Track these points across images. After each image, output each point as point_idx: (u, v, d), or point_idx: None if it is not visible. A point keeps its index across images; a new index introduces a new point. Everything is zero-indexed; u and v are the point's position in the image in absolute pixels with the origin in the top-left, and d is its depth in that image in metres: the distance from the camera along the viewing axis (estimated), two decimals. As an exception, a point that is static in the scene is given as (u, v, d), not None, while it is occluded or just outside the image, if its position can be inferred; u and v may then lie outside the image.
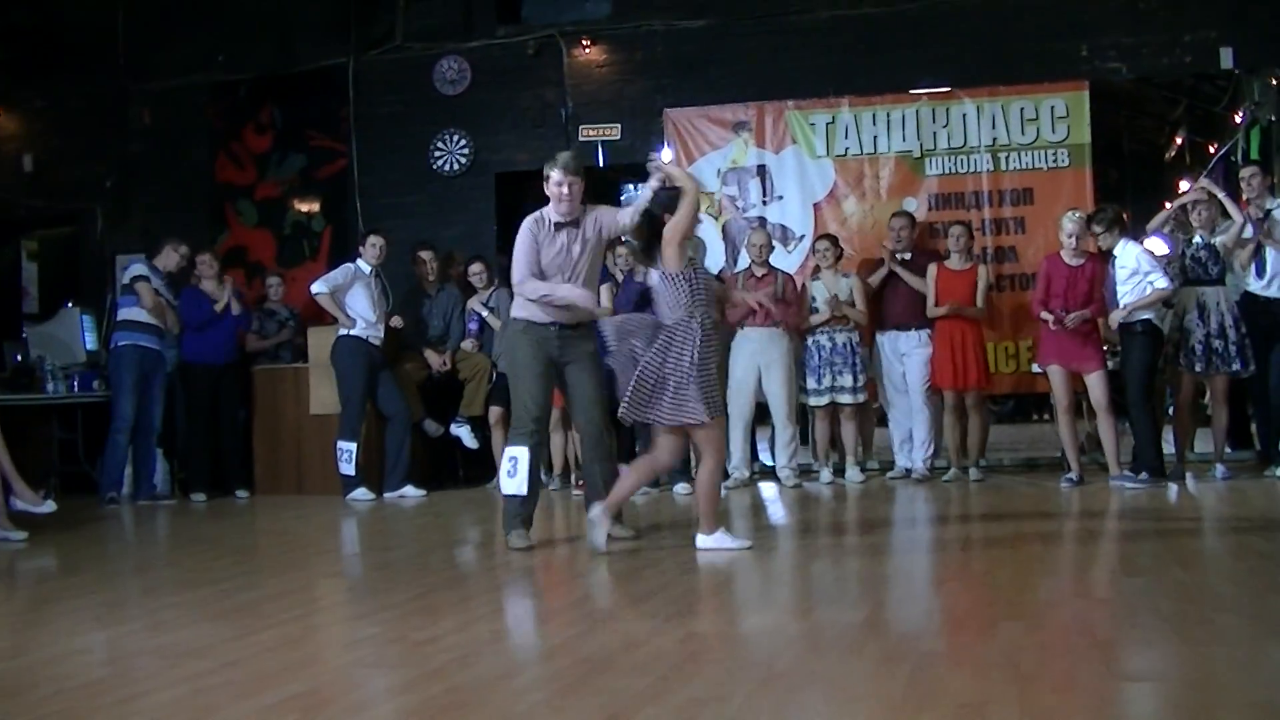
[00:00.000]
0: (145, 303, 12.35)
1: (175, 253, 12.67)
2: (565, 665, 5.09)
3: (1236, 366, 11.09)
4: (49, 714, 4.43)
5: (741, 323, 12.02)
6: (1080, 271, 11.15)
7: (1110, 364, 11.29)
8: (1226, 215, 11.34)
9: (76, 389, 12.99)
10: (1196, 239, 11.17)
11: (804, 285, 12.28)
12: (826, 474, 12.20)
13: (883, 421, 13.01)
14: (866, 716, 4.12)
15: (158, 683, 4.82)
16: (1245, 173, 11.43)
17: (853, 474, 12.15)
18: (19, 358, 13.28)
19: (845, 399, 12.04)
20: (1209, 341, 11.03)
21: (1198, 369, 11.10)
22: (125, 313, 12.46)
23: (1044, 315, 11.17)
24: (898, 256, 12.26)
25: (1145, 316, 10.60)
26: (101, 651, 5.47)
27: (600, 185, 16.27)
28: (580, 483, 12.03)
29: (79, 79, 15.45)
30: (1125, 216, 11.27)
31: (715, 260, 13.29)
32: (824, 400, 12.08)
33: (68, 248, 15.66)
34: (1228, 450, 11.69)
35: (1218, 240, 11.21)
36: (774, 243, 12.69)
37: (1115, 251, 10.86)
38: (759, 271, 12.21)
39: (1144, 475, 10.61)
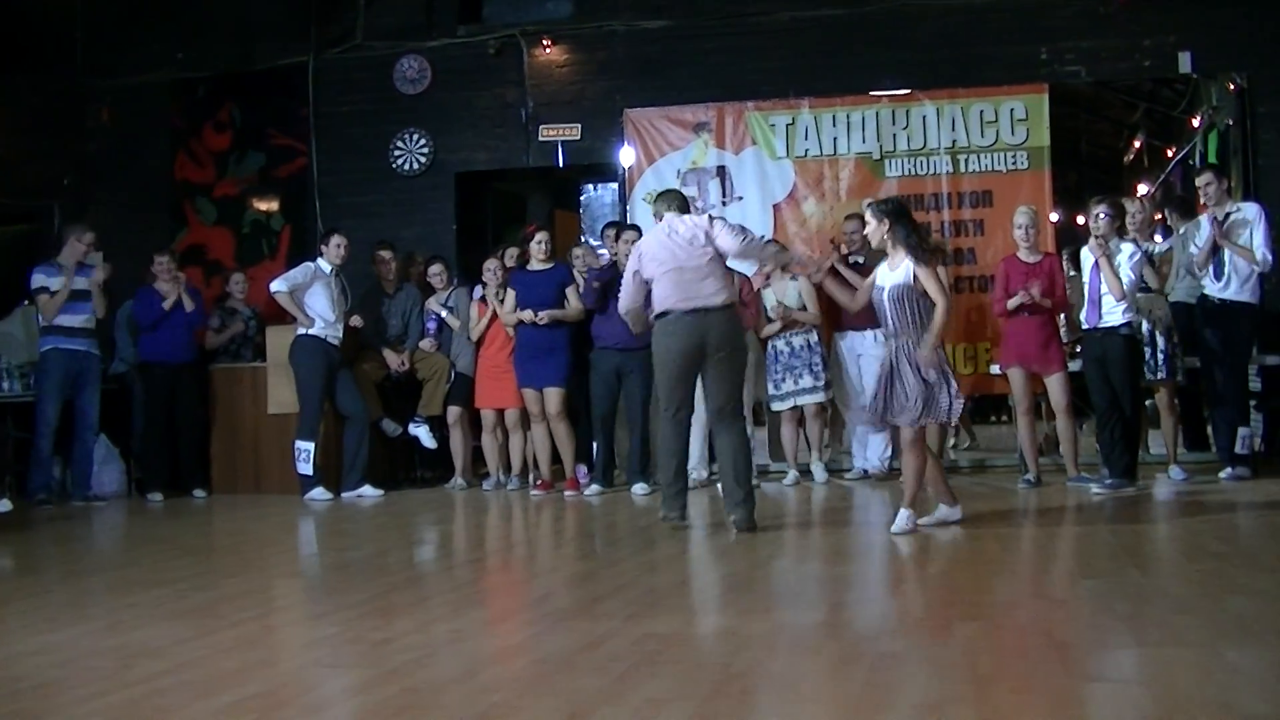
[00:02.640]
0: (45, 316, 12.28)
1: (80, 243, 12.49)
2: (523, 665, 5.09)
3: (1162, 375, 11.15)
4: (2, 716, 4.41)
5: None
6: (1038, 268, 11.15)
7: (1071, 366, 11.30)
8: (1165, 223, 11.40)
9: (33, 388, 12.88)
10: (1129, 246, 11.15)
11: (758, 290, 12.24)
12: (792, 475, 12.17)
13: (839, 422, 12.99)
14: (824, 717, 4.13)
15: (113, 683, 4.80)
16: (1201, 180, 11.41)
17: (818, 472, 12.13)
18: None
19: (808, 399, 12.02)
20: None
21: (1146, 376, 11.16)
22: (50, 317, 12.36)
23: (1010, 303, 11.15)
24: (851, 260, 12.24)
25: (1128, 319, 10.56)
26: (57, 652, 5.44)
27: (560, 185, 16.31)
28: (539, 482, 12.05)
29: (37, 77, 15.35)
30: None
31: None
32: (787, 404, 12.07)
33: (25, 246, 15.55)
34: (1184, 451, 11.76)
35: (1157, 248, 11.25)
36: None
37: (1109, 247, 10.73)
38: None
39: (1111, 481, 10.57)
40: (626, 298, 9.36)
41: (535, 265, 12.12)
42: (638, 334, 10.00)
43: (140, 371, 12.99)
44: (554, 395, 11.93)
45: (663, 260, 8.96)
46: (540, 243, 12.20)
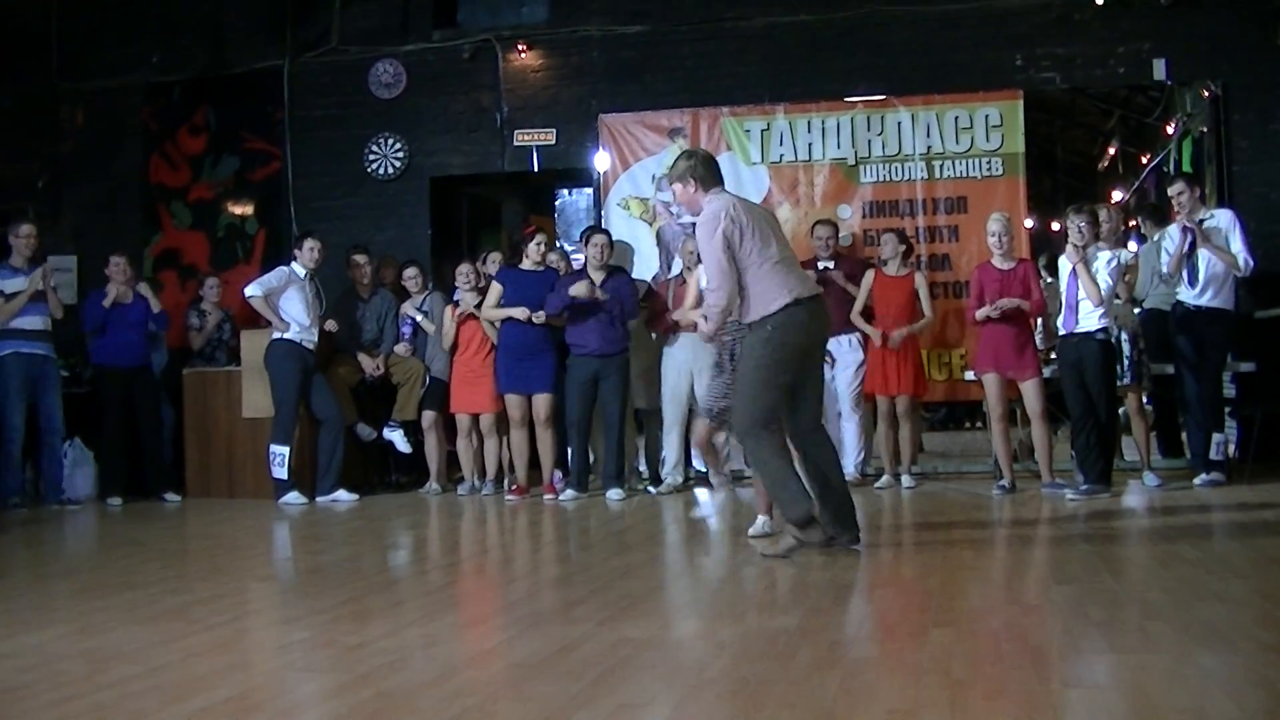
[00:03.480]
0: (2, 318, 12.23)
1: (18, 239, 12.48)
2: (497, 670, 5.08)
3: (1128, 381, 11.21)
4: (-27, 719, 4.39)
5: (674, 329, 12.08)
6: (1012, 275, 11.18)
7: (1046, 372, 11.32)
8: (1139, 230, 11.43)
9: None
10: (1106, 253, 11.17)
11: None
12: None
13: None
14: (798, 722, 4.12)
15: (85, 687, 4.78)
16: (1173, 190, 11.38)
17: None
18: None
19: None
20: None
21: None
22: (4, 321, 12.33)
23: (980, 314, 11.20)
24: (819, 265, 12.25)
25: (1105, 324, 10.58)
26: (26, 656, 5.41)
27: (534, 191, 16.32)
28: (514, 487, 12.02)
29: (10, 78, 15.30)
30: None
31: (649, 266, 13.32)
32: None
33: (-3, 248, 15.55)
34: (1158, 458, 11.79)
35: (1122, 255, 11.27)
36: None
37: (1086, 254, 10.73)
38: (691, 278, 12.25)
39: (1085, 487, 10.57)
40: (729, 286, 7.64)
41: (527, 265, 12.11)
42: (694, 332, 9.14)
43: (95, 375, 12.91)
44: (544, 401, 11.94)
45: (769, 237, 7.71)
46: (539, 244, 12.19)
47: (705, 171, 7.89)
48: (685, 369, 11.96)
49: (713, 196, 7.84)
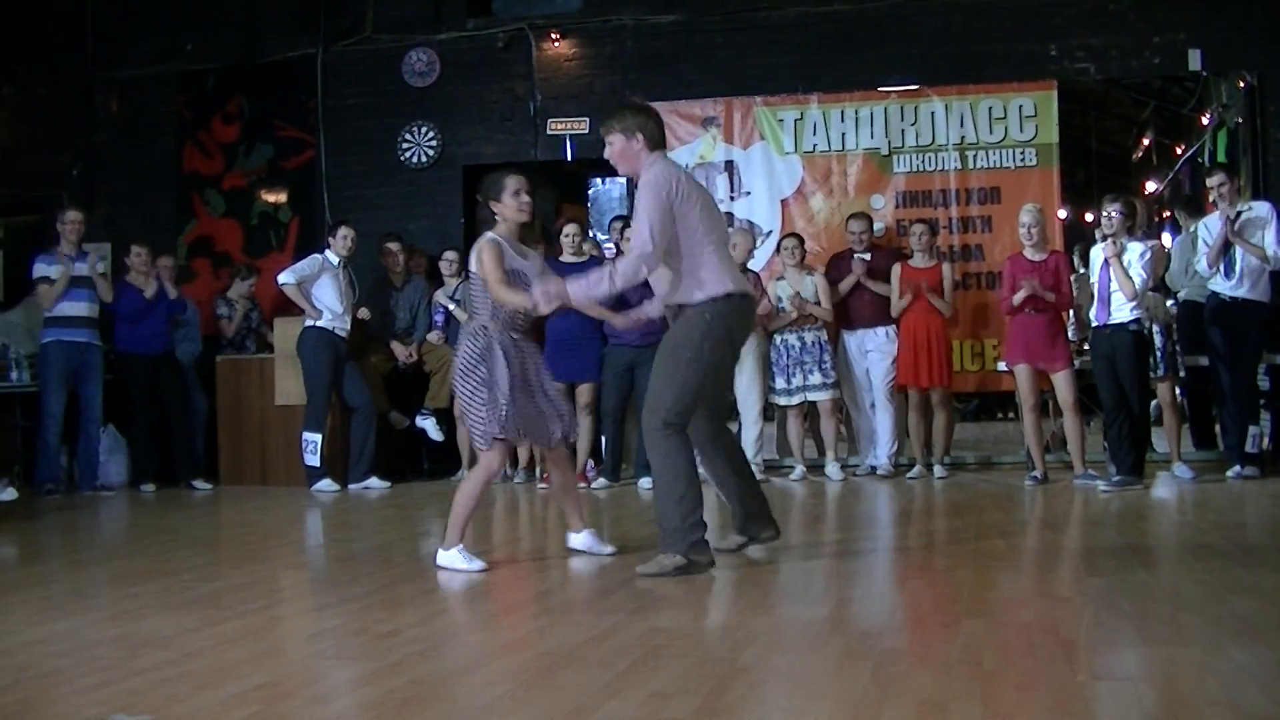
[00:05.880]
0: (44, 304, 12.36)
1: (64, 225, 12.56)
2: (528, 659, 5.08)
3: (1160, 372, 11.17)
4: (6, 704, 4.41)
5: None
6: (1043, 266, 11.15)
7: (1077, 363, 11.30)
8: (1174, 220, 11.39)
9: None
10: (1138, 245, 11.13)
11: (764, 286, 12.18)
12: (800, 470, 12.15)
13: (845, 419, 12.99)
14: (829, 713, 4.11)
15: (118, 673, 4.80)
16: (1213, 180, 11.33)
17: (832, 470, 12.08)
18: (-18, 345, 13.21)
19: (819, 396, 12.01)
20: None
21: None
22: (49, 306, 12.40)
23: (1015, 298, 11.16)
24: (856, 258, 12.23)
25: (1137, 316, 10.55)
26: (60, 641, 5.43)
27: (568, 180, 16.31)
28: (545, 475, 12.05)
29: (45, 67, 15.38)
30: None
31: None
32: (795, 400, 12.05)
33: (33, 236, 15.55)
34: (1191, 450, 11.75)
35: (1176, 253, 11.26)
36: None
37: (1124, 242, 10.70)
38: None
39: (1117, 479, 10.55)
40: (654, 251, 6.86)
41: (567, 258, 12.08)
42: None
43: (120, 363, 12.94)
44: (587, 390, 12.10)
45: (716, 220, 7.22)
46: (569, 235, 12.19)
47: (657, 131, 7.22)
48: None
49: (658, 158, 7.14)
